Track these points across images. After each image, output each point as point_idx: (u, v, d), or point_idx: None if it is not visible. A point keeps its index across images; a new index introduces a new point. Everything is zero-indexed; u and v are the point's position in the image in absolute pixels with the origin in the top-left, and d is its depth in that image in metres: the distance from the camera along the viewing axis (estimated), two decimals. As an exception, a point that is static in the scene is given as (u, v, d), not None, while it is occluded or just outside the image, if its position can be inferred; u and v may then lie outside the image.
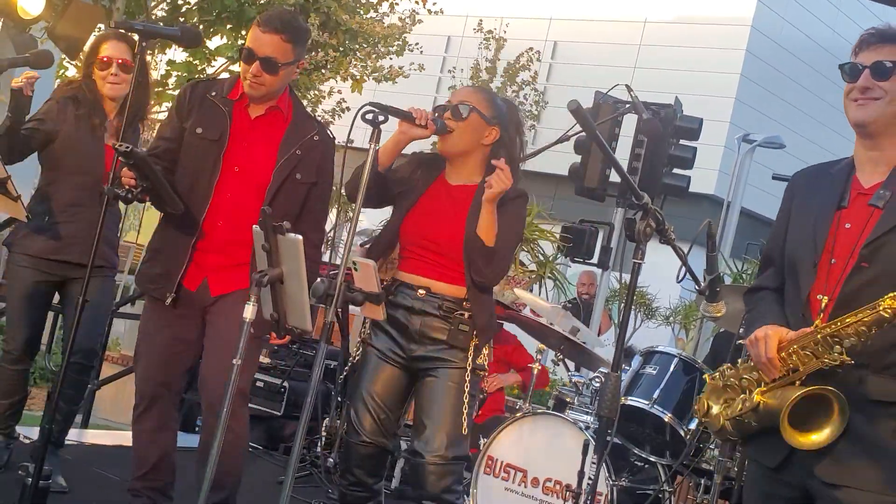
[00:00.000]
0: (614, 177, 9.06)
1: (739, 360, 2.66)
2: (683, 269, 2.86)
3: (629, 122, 8.50)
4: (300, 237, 2.98)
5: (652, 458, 4.72)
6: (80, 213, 3.99)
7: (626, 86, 5.45)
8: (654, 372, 4.66)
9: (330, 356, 6.56)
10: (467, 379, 3.29)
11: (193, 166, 3.49)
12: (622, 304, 11.46)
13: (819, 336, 2.44)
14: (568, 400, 5.11)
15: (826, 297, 2.53)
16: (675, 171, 9.13)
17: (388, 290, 3.42)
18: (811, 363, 2.46)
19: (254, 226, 3.12)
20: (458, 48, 20.01)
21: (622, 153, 8.71)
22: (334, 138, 3.64)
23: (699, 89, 19.13)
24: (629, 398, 4.61)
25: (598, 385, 4.87)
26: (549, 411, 4.86)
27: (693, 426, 4.53)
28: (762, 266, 2.83)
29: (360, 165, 3.18)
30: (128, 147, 3.31)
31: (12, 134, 3.85)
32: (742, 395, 2.60)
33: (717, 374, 2.69)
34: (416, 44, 10.73)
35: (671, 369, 4.65)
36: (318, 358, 2.96)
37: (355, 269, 3.05)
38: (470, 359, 3.30)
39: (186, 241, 3.48)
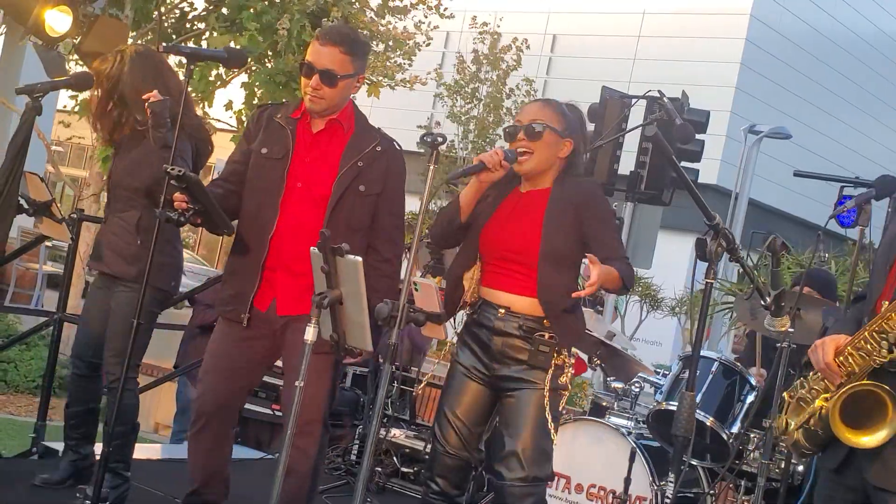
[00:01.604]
0: (623, 170, 9.11)
1: (810, 374, 2.69)
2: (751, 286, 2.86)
3: (636, 116, 8.50)
4: (359, 259, 2.99)
5: (693, 462, 4.74)
6: (104, 222, 4.07)
7: (659, 91, 5.44)
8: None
9: (362, 363, 6.59)
10: (548, 399, 3.29)
11: (260, 186, 3.53)
12: (629, 298, 11.47)
13: (866, 333, 2.48)
14: (605, 404, 5.12)
15: (887, 303, 2.56)
16: (683, 164, 9.15)
17: (473, 308, 3.43)
18: (864, 363, 2.49)
19: (312, 248, 3.13)
20: (458, 43, 19.98)
21: (630, 146, 8.74)
22: (401, 148, 3.63)
23: (700, 79, 19.15)
24: (670, 403, 4.61)
25: (637, 390, 4.88)
26: (591, 417, 4.88)
27: (735, 429, 4.55)
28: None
29: (444, 209, 3.27)
30: (180, 171, 3.32)
31: None
32: (811, 406, 2.65)
33: (790, 390, 2.72)
34: (430, 33, 10.52)
35: (712, 373, 4.66)
36: (383, 379, 2.98)
37: (416, 290, 3.06)
38: (549, 378, 3.30)
39: (257, 261, 3.50)
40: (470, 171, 3.27)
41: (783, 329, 3.11)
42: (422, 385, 6.11)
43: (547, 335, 3.30)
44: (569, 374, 3.36)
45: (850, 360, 2.53)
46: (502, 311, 3.34)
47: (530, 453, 3.28)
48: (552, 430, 3.34)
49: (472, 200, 3.38)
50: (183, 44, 8.77)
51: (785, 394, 2.72)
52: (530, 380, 3.31)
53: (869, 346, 2.48)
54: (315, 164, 3.51)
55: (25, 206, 4.10)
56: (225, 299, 3.60)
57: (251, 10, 8.05)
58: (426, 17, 10.06)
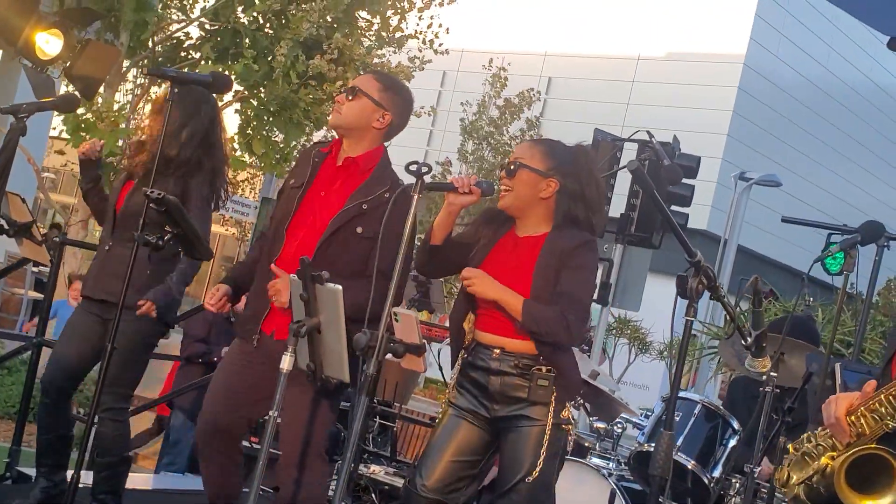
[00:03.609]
0: (613, 212, 9.13)
1: (819, 429, 2.64)
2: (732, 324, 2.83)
3: (628, 159, 8.52)
4: (339, 287, 2.96)
5: (674, 505, 4.68)
6: (101, 249, 4.03)
7: (647, 132, 5.46)
8: (677, 419, 4.61)
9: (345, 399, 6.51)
10: (548, 434, 3.24)
11: (279, 214, 3.57)
12: (618, 339, 11.37)
13: (882, 396, 2.42)
14: (587, 444, 5.07)
15: None
16: (673, 208, 9.18)
17: (467, 351, 3.40)
18: (875, 426, 2.43)
19: (291, 275, 3.10)
20: (454, 82, 20.10)
21: (620, 189, 8.75)
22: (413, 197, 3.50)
23: (692, 125, 19.27)
24: (652, 444, 4.56)
25: (619, 431, 4.83)
26: (572, 457, 4.81)
27: (716, 473, 4.50)
28: None
29: (424, 240, 3.24)
30: (160, 194, 3.31)
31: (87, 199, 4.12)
32: (816, 462, 2.59)
33: (797, 443, 2.67)
34: (424, 66, 10.57)
35: (694, 416, 4.62)
36: (359, 411, 2.92)
37: (396, 320, 3.02)
38: (551, 413, 3.25)
39: (264, 285, 3.48)
40: (440, 188, 3.25)
41: (763, 370, 3.07)
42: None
43: (544, 369, 3.26)
44: (570, 409, 3.32)
45: (862, 420, 2.47)
46: (497, 351, 3.31)
47: (531, 489, 3.22)
48: (554, 466, 3.30)
49: (442, 223, 3.34)
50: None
51: (790, 446, 2.67)
52: (531, 416, 3.26)
53: (883, 410, 2.43)
54: (329, 198, 3.49)
55: (6, 226, 4.08)
56: (244, 318, 3.60)
57: (247, 40, 8.11)
58: (421, 51, 10.12)
